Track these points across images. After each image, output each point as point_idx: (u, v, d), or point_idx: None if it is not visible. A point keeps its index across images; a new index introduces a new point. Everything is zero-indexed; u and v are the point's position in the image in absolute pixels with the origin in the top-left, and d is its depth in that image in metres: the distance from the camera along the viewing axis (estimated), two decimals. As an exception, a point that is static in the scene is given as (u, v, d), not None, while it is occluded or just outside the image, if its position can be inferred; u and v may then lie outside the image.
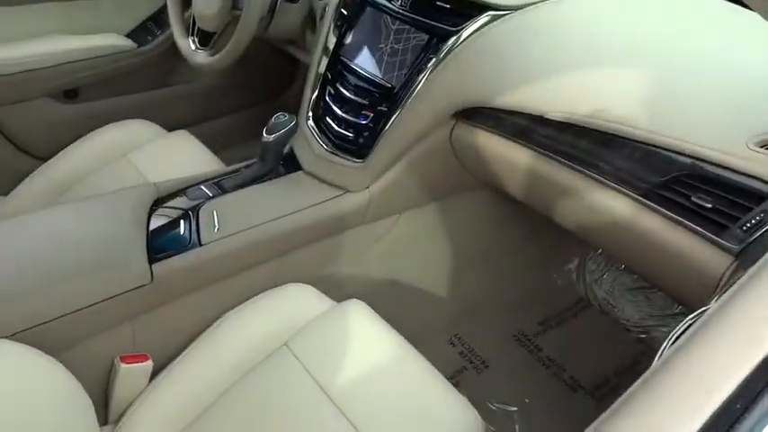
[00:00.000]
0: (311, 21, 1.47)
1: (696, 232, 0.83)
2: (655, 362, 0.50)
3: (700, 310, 0.56)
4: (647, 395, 0.43)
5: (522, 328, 1.47)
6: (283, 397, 0.93)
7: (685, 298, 0.92)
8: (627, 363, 1.41)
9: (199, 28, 1.48)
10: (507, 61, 1.06)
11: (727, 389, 0.42)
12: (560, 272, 1.61)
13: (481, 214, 1.46)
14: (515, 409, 1.28)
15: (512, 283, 1.53)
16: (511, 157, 1.09)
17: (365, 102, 1.18)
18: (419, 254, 1.38)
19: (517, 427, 1.26)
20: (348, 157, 1.20)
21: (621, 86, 0.94)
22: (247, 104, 2.00)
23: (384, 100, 1.15)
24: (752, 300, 0.48)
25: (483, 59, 1.07)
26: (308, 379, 0.95)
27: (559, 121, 0.99)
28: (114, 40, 1.68)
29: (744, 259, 0.78)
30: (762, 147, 0.79)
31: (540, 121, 1.02)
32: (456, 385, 1.36)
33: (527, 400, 1.30)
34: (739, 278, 0.76)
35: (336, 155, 1.21)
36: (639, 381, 0.48)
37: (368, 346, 1.00)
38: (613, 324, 1.51)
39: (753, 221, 0.77)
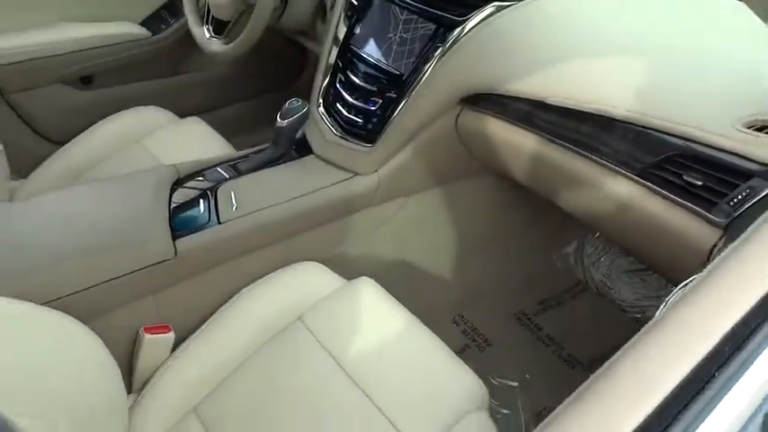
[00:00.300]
0: (322, 11, 1.52)
1: (687, 208, 0.88)
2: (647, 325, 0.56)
3: (690, 278, 0.62)
4: (646, 342, 0.49)
5: (523, 308, 1.53)
6: (298, 368, 0.99)
7: (676, 274, 0.98)
8: (623, 341, 1.46)
9: (213, 17, 1.53)
10: (511, 50, 1.11)
11: (717, 334, 0.48)
12: (560, 255, 1.66)
13: (486, 199, 1.51)
14: (516, 384, 1.34)
15: (515, 266, 1.59)
16: (515, 142, 1.14)
17: (374, 88, 1.23)
18: (426, 237, 1.44)
19: (518, 400, 1.31)
20: (357, 142, 1.25)
21: (618, 74, 1.00)
22: (258, 93, 2.05)
23: (393, 87, 1.20)
24: (740, 260, 0.54)
25: (487, 48, 1.12)
26: (322, 351, 1.00)
27: (561, 107, 1.04)
28: (129, 29, 1.73)
29: (731, 233, 0.83)
30: (748, 128, 0.85)
31: (543, 106, 1.07)
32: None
33: (528, 376, 1.36)
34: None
35: (346, 140, 1.26)
36: (637, 335, 0.54)
37: (378, 320, 1.06)
38: (610, 305, 1.57)
39: (739, 197, 0.83)
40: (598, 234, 1.68)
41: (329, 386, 0.96)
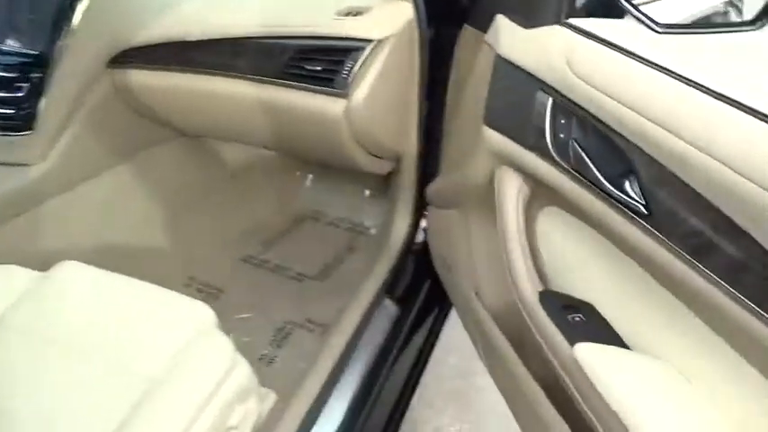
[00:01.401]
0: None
1: (317, 91, 1.07)
2: None
3: None
4: None
5: (249, 252, 1.63)
6: (22, 370, 0.92)
7: (334, 149, 1.16)
8: (342, 248, 1.66)
9: None
10: (136, 5, 1.18)
11: None
12: (274, 195, 1.80)
13: (183, 161, 1.56)
14: (250, 314, 1.43)
15: (231, 217, 1.68)
16: (168, 85, 1.22)
17: (16, 75, 1.19)
18: (132, 210, 1.44)
19: (256, 326, 1.40)
20: (15, 134, 1.21)
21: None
22: None
23: (35, 67, 1.18)
24: None
25: (115, 6, 1.18)
26: (39, 344, 0.95)
27: (199, 41, 1.15)
28: None
29: (350, 99, 1.04)
30: (344, 15, 1.06)
31: (183, 45, 1.17)
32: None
33: (263, 302, 1.46)
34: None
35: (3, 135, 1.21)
36: None
37: (90, 292, 1.03)
38: (326, 225, 1.76)
39: (347, 68, 1.03)
40: (299, 172, 1.86)
41: (60, 371, 0.92)
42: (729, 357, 0.62)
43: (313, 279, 1.56)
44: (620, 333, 0.77)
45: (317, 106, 1.08)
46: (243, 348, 1.37)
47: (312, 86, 1.06)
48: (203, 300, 1.47)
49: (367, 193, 1.79)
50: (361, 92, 1.04)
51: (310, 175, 1.86)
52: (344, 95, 1.04)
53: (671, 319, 0.70)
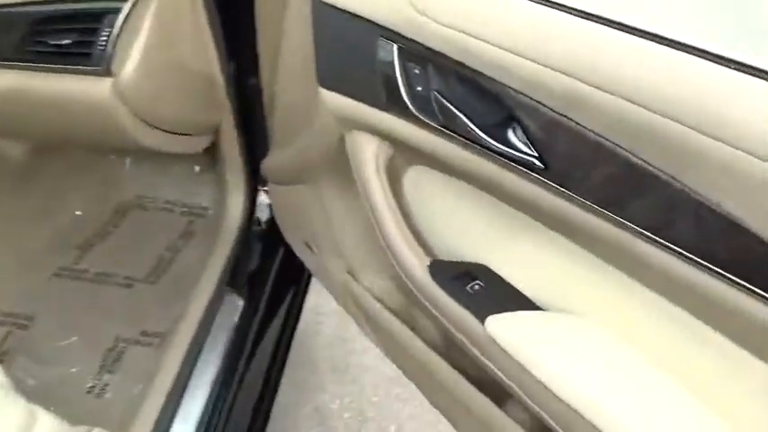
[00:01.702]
0: None
1: (71, 71, 0.84)
2: None
3: None
4: None
5: (60, 263, 1.37)
6: None
7: (111, 138, 0.95)
8: (177, 237, 1.45)
9: None
10: None
11: None
12: (85, 187, 1.53)
13: None
14: (75, 338, 1.22)
15: (29, 225, 1.40)
16: None
17: None
18: None
19: (83, 350, 1.20)
20: None
21: None
22: None
23: None
24: None
25: None
26: None
27: None
28: None
29: (117, 75, 0.82)
30: None
31: None
32: (6, 353, 1.22)
33: (85, 320, 1.25)
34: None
35: None
36: None
37: None
38: (156, 212, 1.53)
39: (102, 37, 0.81)
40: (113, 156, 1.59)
41: None
42: (648, 302, 0.55)
43: (144, 282, 1.35)
44: (522, 290, 0.69)
45: (78, 90, 0.85)
46: (68, 382, 1.17)
47: (64, 66, 0.83)
48: (8, 334, 1.24)
49: (197, 168, 1.56)
50: (130, 65, 0.83)
51: (128, 158, 1.60)
52: (108, 72, 0.82)
53: (578, 270, 0.62)
